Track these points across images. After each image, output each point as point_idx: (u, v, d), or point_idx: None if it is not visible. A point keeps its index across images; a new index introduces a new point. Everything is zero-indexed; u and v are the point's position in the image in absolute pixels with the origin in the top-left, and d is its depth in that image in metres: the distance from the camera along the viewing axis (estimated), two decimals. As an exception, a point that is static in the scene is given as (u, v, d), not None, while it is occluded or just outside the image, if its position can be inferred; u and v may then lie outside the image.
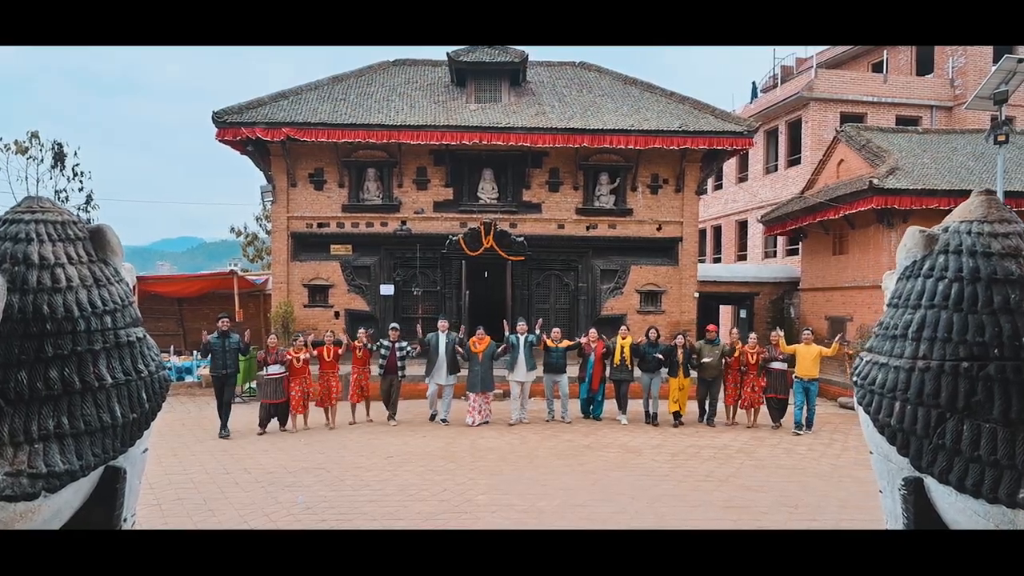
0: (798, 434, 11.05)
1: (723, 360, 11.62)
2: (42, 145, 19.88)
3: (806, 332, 11.78)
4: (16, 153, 19.43)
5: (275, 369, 10.99)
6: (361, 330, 12.31)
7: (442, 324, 12.04)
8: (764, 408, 11.85)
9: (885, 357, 1.82)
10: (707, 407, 11.87)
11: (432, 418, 11.66)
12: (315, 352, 11.50)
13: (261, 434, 10.82)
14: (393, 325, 12.29)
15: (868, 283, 16.24)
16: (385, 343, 11.82)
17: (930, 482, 1.68)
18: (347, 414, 11.87)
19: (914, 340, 1.75)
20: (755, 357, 11.57)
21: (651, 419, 11.80)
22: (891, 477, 1.82)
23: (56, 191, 20.19)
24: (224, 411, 10.87)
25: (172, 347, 17.97)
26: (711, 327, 12.13)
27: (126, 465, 1.83)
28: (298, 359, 11.22)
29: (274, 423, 11.10)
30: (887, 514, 1.89)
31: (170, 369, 16.17)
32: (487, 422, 11.50)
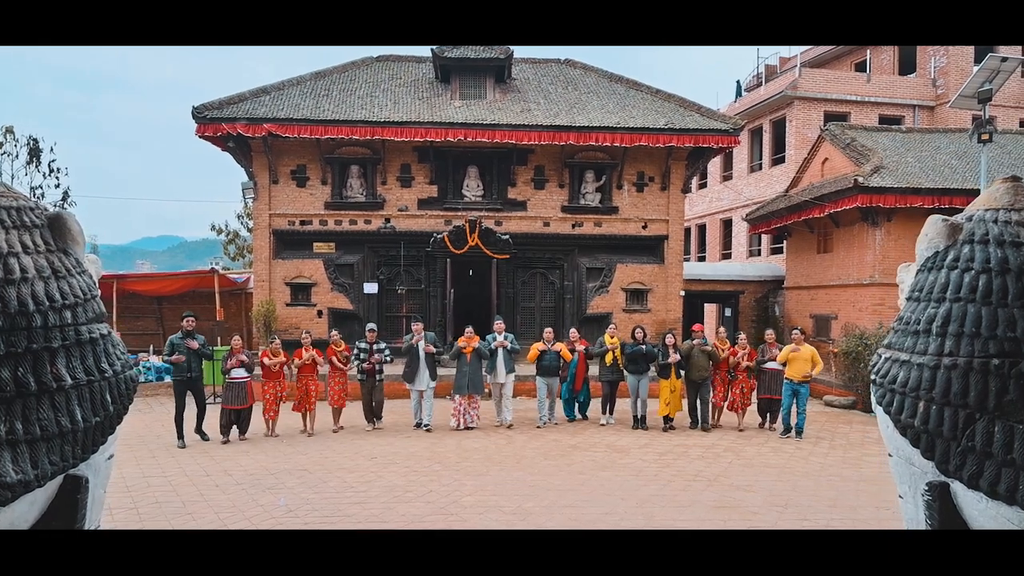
0: (785, 437, 10.65)
1: (711, 362, 11.16)
2: (17, 141, 19.47)
3: (795, 332, 11.10)
4: (-11, 148, 19.01)
5: (238, 373, 10.31)
6: (334, 332, 11.80)
7: (416, 327, 11.40)
8: (751, 409, 11.55)
9: (907, 354, 1.71)
10: (698, 413, 11.31)
11: (418, 425, 11.10)
12: (282, 360, 10.75)
13: (225, 442, 10.09)
14: (370, 326, 11.52)
15: (853, 281, 16.30)
16: (362, 346, 11.14)
17: (957, 487, 1.58)
18: (324, 420, 11.24)
19: (939, 336, 1.65)
20: (743, 361, 11.15)
21: (639, 423, 11.33)
22: (913, 482, 1.71)
23: (32, 187, 19.77)
24: (200, 413, 10.31)
25: (152, 347, 17.65)
26: (697, 326, 11.71)
27: (88, 474, 1.67)
28: (274, 364, 10.59)
29: (235, 431, 10.36)
30: (908, 521, 1.79)
31: (149, 369, 15.84)
32: (472, 427, 11.05)
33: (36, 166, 19.70)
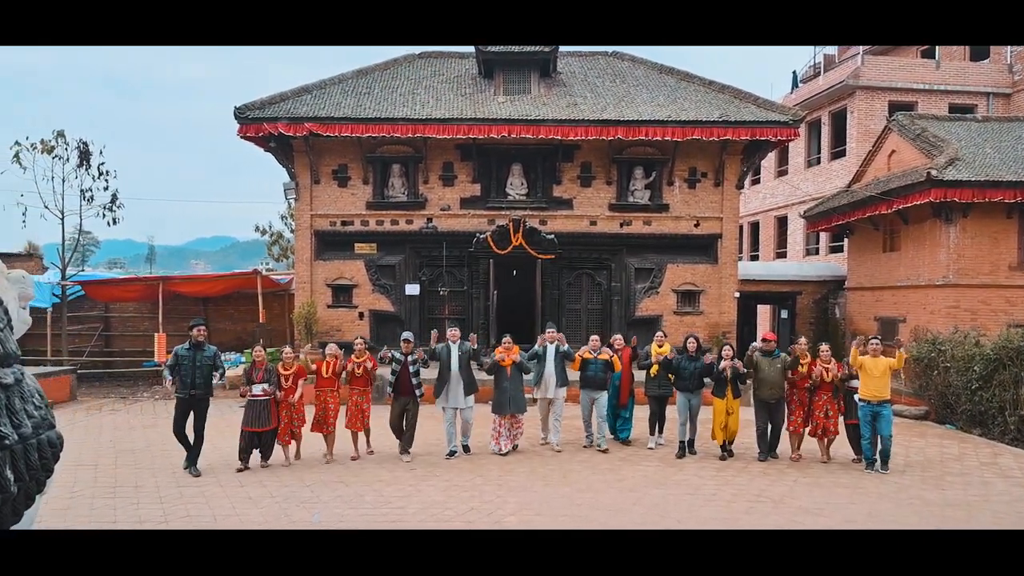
0: (869, 472, 8.79)
1: (786, 377, 9.27)
2: (67, 144, 19.75)
3: (873, 341, 9.02)
4: (42, 152, 19.34)
5: (259, 389, 8.73)
6: (358, 339, 9.70)
7: (452, 333, 9.60)
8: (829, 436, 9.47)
9: None
10: (768, 439, 9.43)
11: (451, 455, 9.37)
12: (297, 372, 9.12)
13: (241, 470, 8.63)
14: (405, 335, 9.59)
15: (923, 282, 15.21)
16: (397, 356, 9.32)
17: None
18: (340, 445, 9.43)
19: None
20: (830, 374, 9.11)
21: (688, 448, 9.62)
22: None
23: (81, 190, 20.02)
24: (197, 441, 8.70)
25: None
26: (768, 335, 10.08)
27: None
28: (287, 377, 9.00)
29: (256, 457, 8.86)
30: None
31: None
32: (516, 447, 9.77)
33: (86, 169, 19.92)
